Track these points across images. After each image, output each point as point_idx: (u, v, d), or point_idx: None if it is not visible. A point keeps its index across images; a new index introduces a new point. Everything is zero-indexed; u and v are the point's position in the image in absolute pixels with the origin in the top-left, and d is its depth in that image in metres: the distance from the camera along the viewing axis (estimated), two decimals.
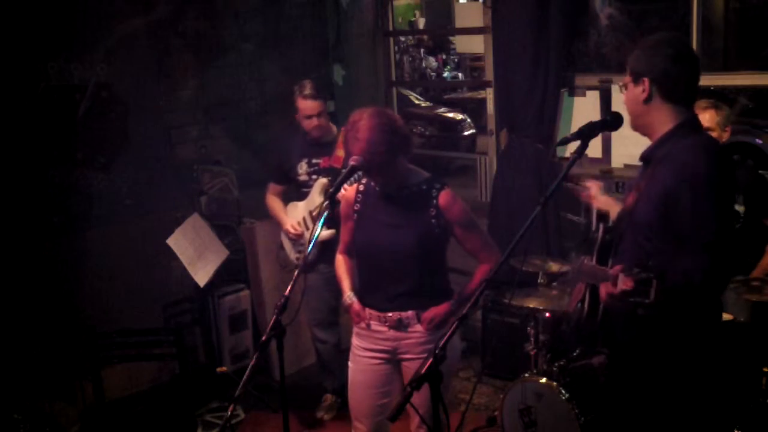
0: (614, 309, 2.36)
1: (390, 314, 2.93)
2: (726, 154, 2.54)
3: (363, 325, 2.99)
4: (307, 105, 4.03)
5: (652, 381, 2.41)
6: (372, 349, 3.01)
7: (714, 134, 3.62)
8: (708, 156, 2.32)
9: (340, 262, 3.14)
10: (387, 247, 2.89)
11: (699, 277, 2.23)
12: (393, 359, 3.01)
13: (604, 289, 2.31)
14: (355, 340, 3.07)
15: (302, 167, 4.13)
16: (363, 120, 2.77)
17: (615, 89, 4.56)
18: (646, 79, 2.40)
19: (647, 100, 2.42)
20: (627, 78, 2.48)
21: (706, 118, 3.60)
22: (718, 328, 2.56)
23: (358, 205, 2.99)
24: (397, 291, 2.91)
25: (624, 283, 2.15)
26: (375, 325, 2.97)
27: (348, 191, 3.04)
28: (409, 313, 2.92)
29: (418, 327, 2.93)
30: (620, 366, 2.64)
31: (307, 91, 4.00)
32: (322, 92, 4.12)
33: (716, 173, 2.30)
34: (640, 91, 2.42)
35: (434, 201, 2.89)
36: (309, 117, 4.04)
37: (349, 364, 3.11)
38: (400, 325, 2.93)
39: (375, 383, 3.03)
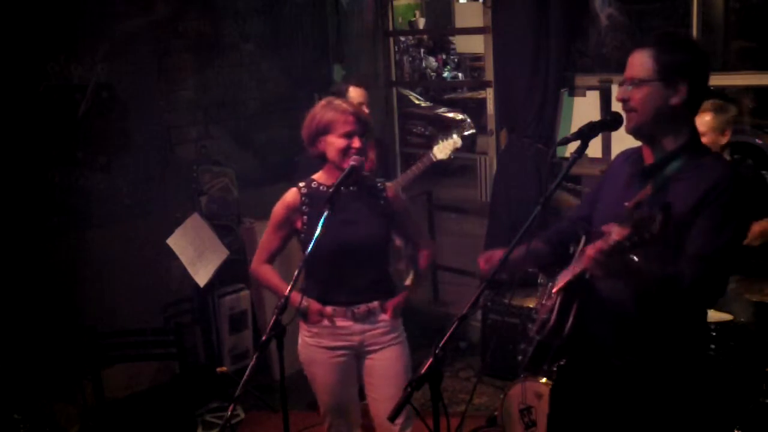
0: (599, 273, 2.05)
1: (357, 307, 2.97)
2: (747, 178, 2.33)
3: (326, 323, 2.98)
4: (358, 93, 4.12)
5: (644, 382, 2.33)
6: (336, 346, 3.01)
7: (705, 139, 3.55)
8: (737, 179, 2.17)
9: (269, 273, 3.08)
10: (353, 243, 2.91)
11: (687, 284, 2.10)
12: (356, 354, 3.05)
13: (591, 250, 2.02)
14: (312, 341, 3.02)
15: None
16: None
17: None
18: (683, 82, 2.17)
19: (678, 106, 2.20)
20: (645, 74, 2.19)
21: (698, 122, 3.54)
22: (704, 324, 2.47)
23: (305, 207, 2.95)
24: (362, 284, 2.98)
25: (619, 233, 1.91)
26: (340, 321, 2.98)
27: (287, 196, 3.00)
28: (375, 303, 3.00)
29: (383, 316, 3.02)
30: (603, 372, 2.42)
31: (357, 79, 4.16)
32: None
33: (744, 194, 2.18)
34: (670, 93, 2.18)
35: (383, 193, 3.03)
36: (360, 105, 4.09)
37: (309, 369, 3.07)
38: (367, 317, 2.99)
39: (343, 380, 3.06)
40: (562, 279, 2.39)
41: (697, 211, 2.14)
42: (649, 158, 2.31)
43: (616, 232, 1.92)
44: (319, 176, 3.02)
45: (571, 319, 2.31)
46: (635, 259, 1.97)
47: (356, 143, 2.88)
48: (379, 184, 3.04)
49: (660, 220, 1.86)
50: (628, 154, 2.45)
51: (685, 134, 2.25)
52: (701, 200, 2.13)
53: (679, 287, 2.11)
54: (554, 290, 2.41)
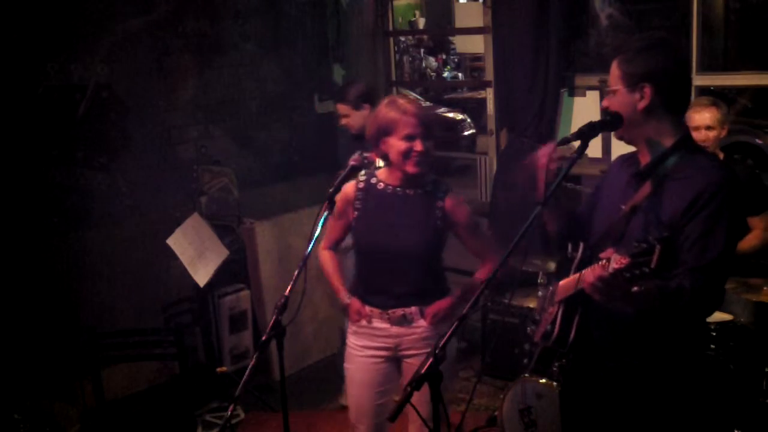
0: (599, 298, 2.06)
1: (393, 311, 2.93)
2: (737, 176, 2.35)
3: (364, 322, 2.97)
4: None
5: (644, 383, 2.33)
6: (372, 346, 2.99)
7: (714, 133, 3.63)
8: (728, 179, 2.18)
9: (327, 259, 3.11)
10: (393, 248, 2.87)
11: (687, 296, 2.09)
12: (393, 357, 3.01)
13: (591, 274, 2.04)
14: (352, 339, 3.05)
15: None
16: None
17: None
18: (647, 86, 2.20)
19: (647, 109, 2.22)
20: (615, 83, 2.25)
21: (706, 116, 3.60)
22: (703, 324, 2.47)
23: (358, 202, 2.94)
24: (400, 290, 2.92)
25: (618, 262, 1.91)
26: (377, 322, 2.96)
27: (347, 188, 2.97)
28: (413, 308, 2.93)
29: (422, 322, 2.94)
30: (604, 373, 2.43)
31: (344, 96, 4.27)
32: (351, 96, 4.24)
33: (736, 196, 2.18)
34: (636, 98, 2.22)
35: (440, 203, 2.91)
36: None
37: (346, 365, 3.09)
38: (403, 321, 2.93)
39: (374, 382, 3.02)
40: (563, 289, 2.39)
41: (689, 215, 2.14)
42: (644, 160, 2.33)
43: (615, 260, 1.93)
44: (381, 173, 2.97)
45: (573, 332, 2.33)
46: (635, 289, 1.97)
47: (418, 146, 2.79)
48: (440, 194, 2.93)
49: (657, 255, 1.86)
50: (626, 158, 2.46)
51: (673, 134, 2.26)
52: (692, 203, 2.14)
53: (680, 302, 2.10)
54: (556, 300, 2.41)
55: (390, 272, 2.91)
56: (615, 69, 2.26)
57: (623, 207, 2.28)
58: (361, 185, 2.96)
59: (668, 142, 2.26)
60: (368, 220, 2.93)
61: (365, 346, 3.00)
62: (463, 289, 3.03)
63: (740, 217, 2.28)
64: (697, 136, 3.47)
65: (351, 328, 3.05)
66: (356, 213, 2.95)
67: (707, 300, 2.19)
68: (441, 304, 2.94)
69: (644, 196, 2.24)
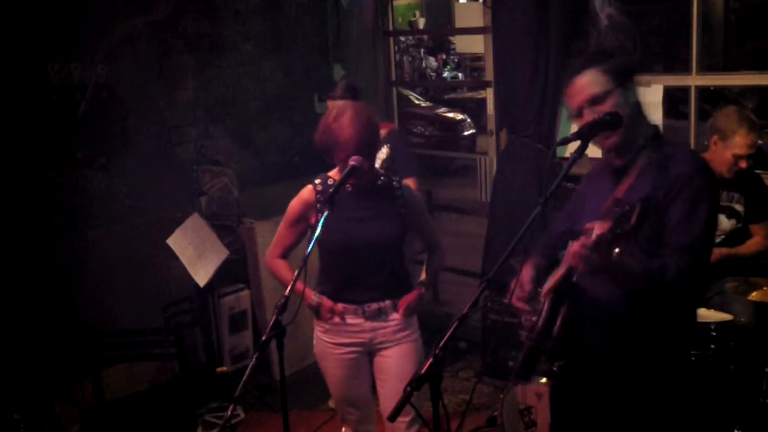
0: (583, 268, 2.06)
1: (369, 305, 2.99)
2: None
3: (337, 320, 3.01)
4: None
5: (638, 381, 2.35)
6: (347, 343, 3.05)
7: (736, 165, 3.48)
8: (703, 164, 2.28)
9: (281, 267, 3.10)
10: (366, 242, 2.93)
11: (672, 275, 2.14)
12: (367, 351, 3.08)
13: (575, 246, 2.05)
14: (324, 337, 3.08)
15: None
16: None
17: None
18: (632, 81, 2.32)
19: (637, 104, 2.34)
20: (602, 87, 2.29)
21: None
22: (692, 323, 2.49)
23: (320, 205, 2.96)
24: (374, 283, 2.99)
25: (601, 228, 1.97)
26: (351, 319, 3.01)
27: (304, 193, 3.03)
28: (387, 302, 3.01)
29: (395, 315, 3.03)
30: (598, 371, 2.46)
31: (333, 92, 4.21)
32: (339, 92, 4.18)
33: (712, 180, 2.28)
34: (630, 94, 2.31)
35: (400, 192, 3.02)
36: None
37: (321, 362, 3.14)
38: (378, 315, 3.00)
39: (354, 375, 3.10)
40: (550, 282, 2.42)
41: (669, 197, 2.22)
42: (618, 160, 2.38)
43: (598, 227, 1.99)
44: (335, 174, 3.03)
45: (559, 321, 2.33)
46: (617, 251, 1.98)
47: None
48: (395, 183, 3.04)
49: (637, 213, 1.91)
50: (602, 165, 2.53)
51: (645, 127, 2.35)
52: (672, 186, 2.22)
53: (664, 280, 2.15)
54: (543, 293, 2.42)
55: (363, 267, 2.97)
56: (598, 75, 2.28)
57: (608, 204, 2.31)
58: (320, 188, 3.00)
59: (642, 137, 2.34)
60: (334, 219, 2.88)
61: (341, 343, 3.06)
62: (424, 280, 3.16)
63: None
64: (739, 164, 3.43)
65: (322, 327, 3.08)
66: (320, 215, 2.90)
67: (693, 278, 2.23)
68: (412, 296, 3.05)
69: (623, 192, 2.30)
